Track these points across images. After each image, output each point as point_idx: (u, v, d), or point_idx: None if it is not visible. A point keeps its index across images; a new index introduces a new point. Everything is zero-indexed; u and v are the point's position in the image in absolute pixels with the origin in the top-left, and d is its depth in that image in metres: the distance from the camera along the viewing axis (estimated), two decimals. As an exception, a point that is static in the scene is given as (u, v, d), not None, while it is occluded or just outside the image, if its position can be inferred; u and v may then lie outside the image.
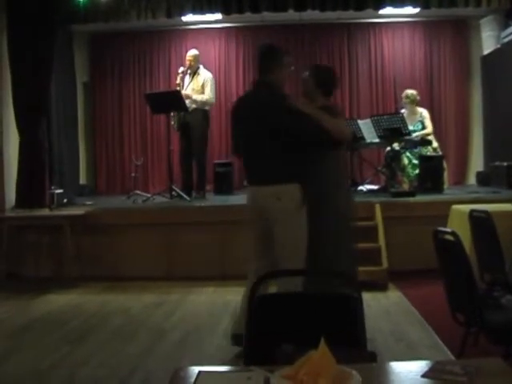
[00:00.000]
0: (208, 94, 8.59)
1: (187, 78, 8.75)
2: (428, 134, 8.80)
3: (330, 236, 4.50)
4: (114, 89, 11.10)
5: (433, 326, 5.07)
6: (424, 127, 8.83)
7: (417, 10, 9.13)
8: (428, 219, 6.36)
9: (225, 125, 10.86)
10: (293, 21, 10.22)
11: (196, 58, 8.74)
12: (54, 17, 8.17)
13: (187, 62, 8.72)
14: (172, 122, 8.64)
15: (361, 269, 6.38)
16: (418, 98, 9.06)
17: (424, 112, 8.99)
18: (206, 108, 8.69)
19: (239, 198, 8.66)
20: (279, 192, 4.40)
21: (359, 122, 8.67)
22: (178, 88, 8.60)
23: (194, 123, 8.54)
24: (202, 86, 8.60)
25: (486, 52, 10.34)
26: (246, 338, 2.29)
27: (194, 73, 8.70)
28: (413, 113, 8.88)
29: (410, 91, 9.04)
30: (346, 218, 4.67)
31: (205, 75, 8.72)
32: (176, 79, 8.85)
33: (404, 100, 9.04)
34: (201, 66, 8.78)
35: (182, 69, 8.80)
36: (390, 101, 10.62)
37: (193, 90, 8.56)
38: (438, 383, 1.81)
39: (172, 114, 8.60)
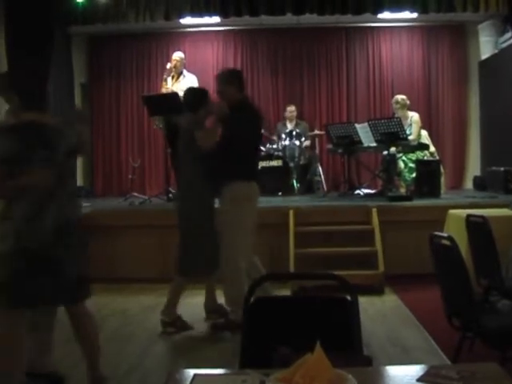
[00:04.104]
0: None
1: (169, 80, 8.77)
2: (414, 141, 8.72)
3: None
4: (111, 90, 11.10)
5: (429, 331, 5.07)
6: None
7: (415, 14, 9.15)
8: (425, 224, 6.37)
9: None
10: (291, 24, 10.23)
11: (182, 60, 8.78)
12: (53, 18, 8.17)
13: (173, 63, 8.71)
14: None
15: (357, 272, 6.46)
16: (408, 102, 9.00)
17: (415, 116, 8.89)
18: None
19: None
20: None
21: (357, 125, 8.66)
22: (166, 87, 8.63)
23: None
24: None
25: (483, 57, 10.36)
26: (242, 341, 2.29)
27: (178, 75, 8.71)
28: (404, 117, 8.77)
29: (399, 96, 8.98)
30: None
31: (191, 78, 8.75)
32: (162, 79, 8.90)
33: (395, 106, 8.94)
34: (184, 70, 8.80)
35: (169, 65, 8.78)
36: (388, 105, 10.62)
37: (181, 91, 8.55)
38: (434, 387, 1.81)
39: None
